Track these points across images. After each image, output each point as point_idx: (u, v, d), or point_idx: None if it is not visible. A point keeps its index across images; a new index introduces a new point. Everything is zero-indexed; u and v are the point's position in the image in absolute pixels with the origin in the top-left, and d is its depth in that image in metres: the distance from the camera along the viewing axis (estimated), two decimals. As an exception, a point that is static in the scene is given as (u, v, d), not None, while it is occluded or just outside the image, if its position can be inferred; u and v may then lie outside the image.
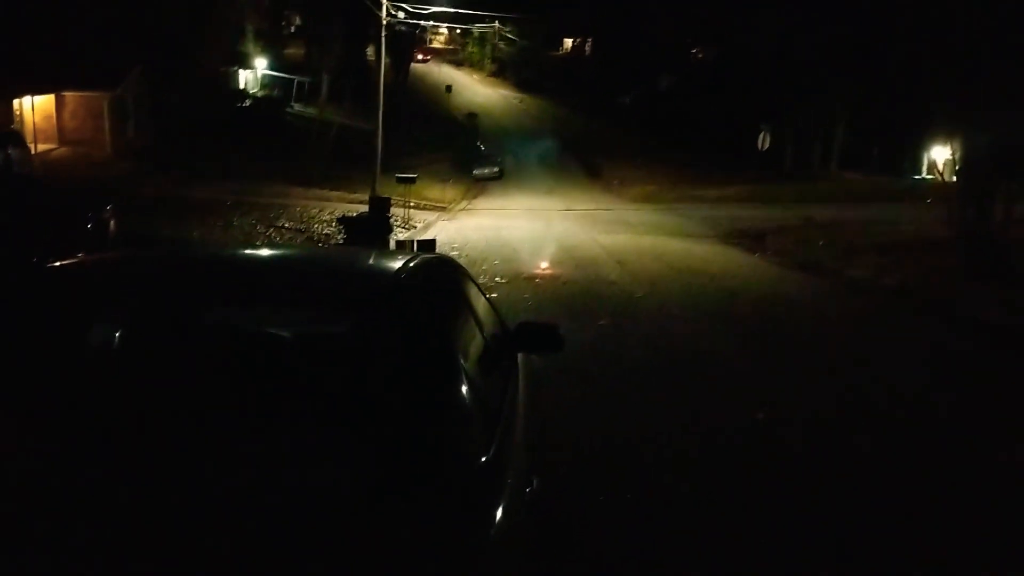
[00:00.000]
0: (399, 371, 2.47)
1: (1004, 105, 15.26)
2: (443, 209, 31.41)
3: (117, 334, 2.83)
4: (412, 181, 24.21)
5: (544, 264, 15.94)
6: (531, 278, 14.40)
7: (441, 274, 3.42)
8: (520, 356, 4.30)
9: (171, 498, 1.99)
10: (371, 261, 3.59)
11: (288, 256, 3.97)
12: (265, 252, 4.56)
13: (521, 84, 76.32)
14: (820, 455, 6.05)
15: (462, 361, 2.75)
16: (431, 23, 32.70)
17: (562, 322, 10.41)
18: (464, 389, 2.57)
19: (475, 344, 3.26)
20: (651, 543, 4.59)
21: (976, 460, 6.02)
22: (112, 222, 11.84)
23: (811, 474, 5.66)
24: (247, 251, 5.05)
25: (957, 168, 16.68)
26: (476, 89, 73.11)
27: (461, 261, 15.84)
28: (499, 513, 2.30)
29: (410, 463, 2.19)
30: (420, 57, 54.14)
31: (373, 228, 13.50)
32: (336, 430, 2.31)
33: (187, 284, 2.96)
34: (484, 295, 4.16)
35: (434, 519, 2.05)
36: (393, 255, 3.44)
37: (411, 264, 3.20)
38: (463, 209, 32.92)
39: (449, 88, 61.50)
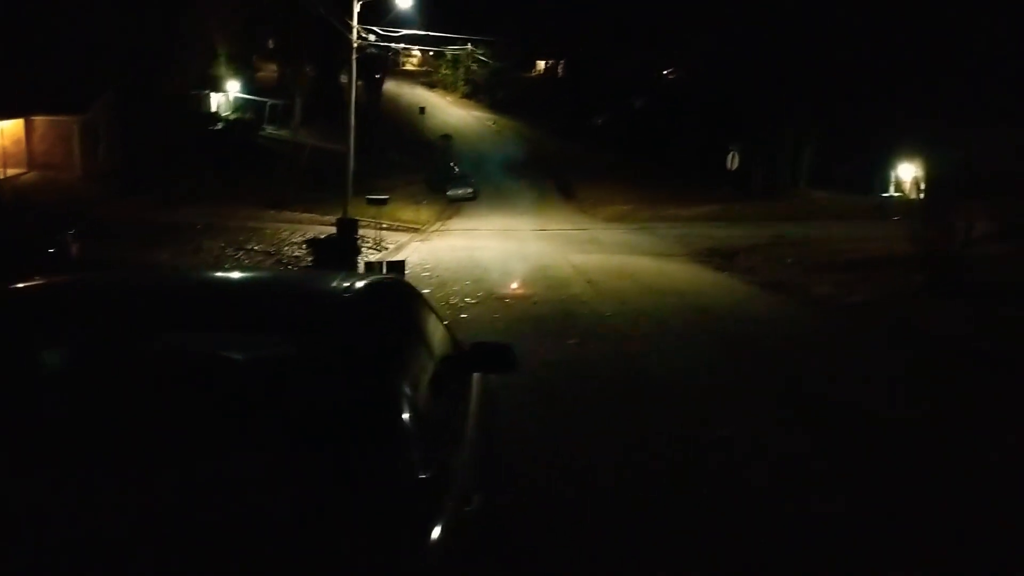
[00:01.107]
0: (335, 392, 2.51)
1: (966, 124, 15.58)
2: (416, 230, 31.43)
3: (58, 359, 2.84)
4: (384, 203, 24.24)
5: (515, 284, 16.01)
6: (501, 298, 14.45)
7: (387, 296, 3.46)
8: (478, 377, 4.35)
9: (110, 521, 2.00)
10: (318, 284, 3.62)
11: (236, 280, 4.00)
12: (214, 276, 4.59)
13: (494, 106, 76.67)
14: (778, 472, 6.11)
15: (403, 381, 2.79)
16: (403, 46, 32.73)
17: (531, 342, 10.62)
18: (402, 408, 2.60)
19: (420, 364, 3.30)
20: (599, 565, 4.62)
21: (932, 470, 6.11)
22: (74, 247, 11.78)
23: (768, 490, 5.71)
24: (195, 275, 5.07)
25: (921, 186, 16.95)
26: (449, 111, 73.35)
27: (432, 282, 16.02)
28: (437, 530, 2.34)
29: (342, 482, 2.23)
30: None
31: (341, 250, 13.49)
32: (270, 452, 2.34)
33: (132, 308, 2.98)
34: (437, 316, 4.20)
35: (368, 536, 2.08)
36: (343, 277, 3.46)
37: (356, 286, 3.24)
38: (437, 230, 32.97)
39: (422, 110, 61.68)
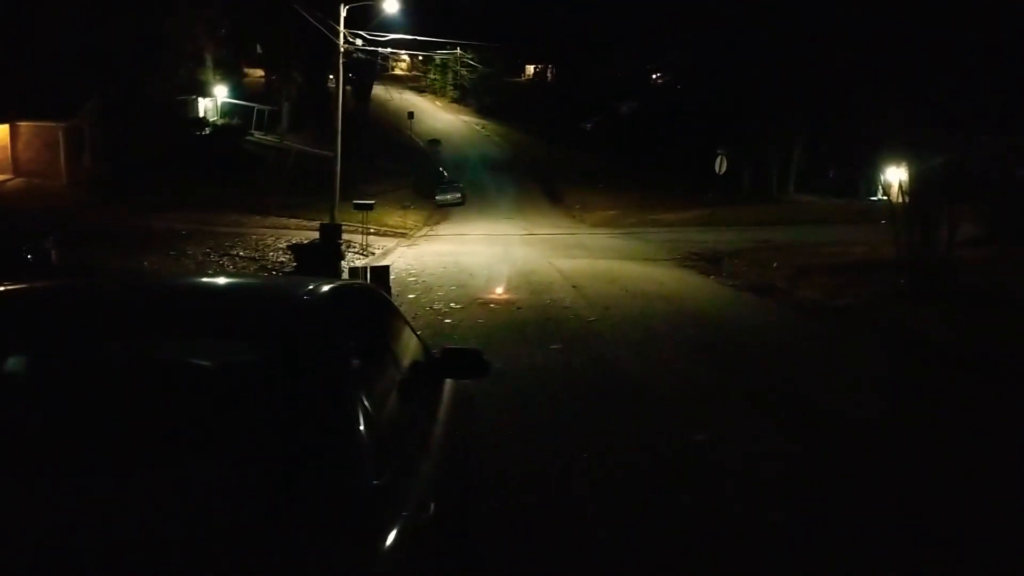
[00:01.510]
0: (287, 397, 2.48)
1: (951, 128, 15.64)
2: (404, 235, 31.40)
3: (18, 364, 2.82)
4: (370, 208, 24.18)
5: (500, 289, 15.99)
6: (486, 303, 14.42)
7: (349, 301, 3.43)
8: (452, 383, 4.33)
9: (58, 528, 1.99)
10: (280, 290, 3.60)
11: (195, 285, 3.97)
12: (176, 281, 4.56)
13: (483, 111, 76.75)
14: (756, 475, 6.10)
15: (359, 386, 2.76)
16: (391, 51, 32.71)
17: (513, 347, 10.59)
18: (356, 414, 2.57)
19: (381, 370, 3.27)
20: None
21: (902, 470, 6.11)
22: (54, 253, 11.73)
23: (748, 495, 5.70)
24: (158, 280, 5.03)
25: (904, 190, 17.02)
26: (438, 116, 73.39)
27: (417, 287, 15.99)
28: (391, 537, 2.32)
29: (291, 488, 2.21)
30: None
31: (325, 256, 13.43)
32: (218, 457, 2.32)
33: (86, 314, 2.96)
34: (405, 322, 4.18)
35: (317, 543, 2.06)
36: (307, 283, 3.44)
37: (317, 292, 3.22)
38: (424, 235, 32.94)
39: (411, 115, 61.63)
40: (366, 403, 2.67)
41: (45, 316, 2.95)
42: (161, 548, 1.95)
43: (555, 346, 10.83)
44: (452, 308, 13.88)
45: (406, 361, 3.74)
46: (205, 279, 5.55)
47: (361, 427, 2.56)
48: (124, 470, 2.26)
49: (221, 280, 4.56)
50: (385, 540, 2.29)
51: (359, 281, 5.19)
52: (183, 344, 2.81)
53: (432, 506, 2.71)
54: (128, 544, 1.96)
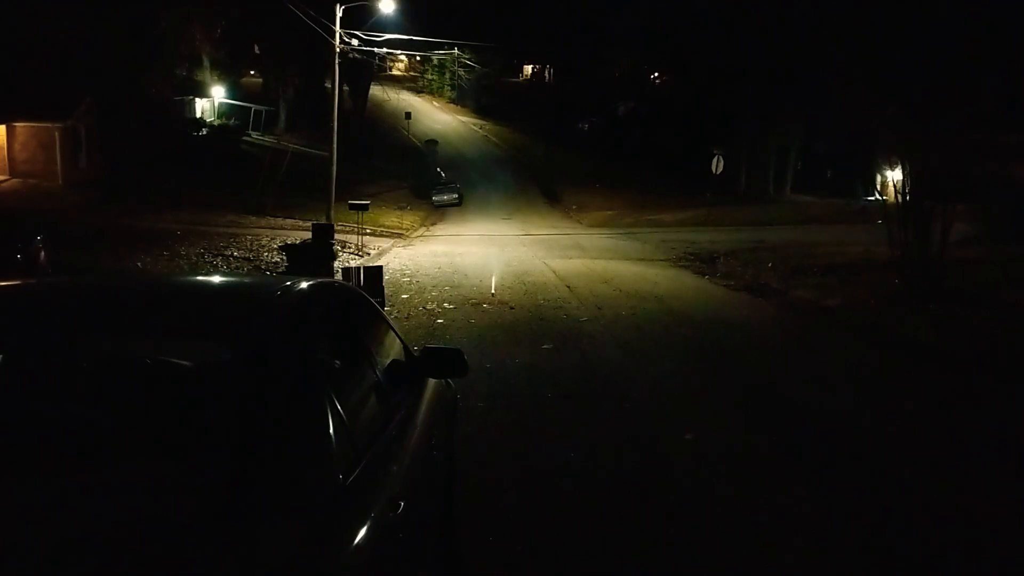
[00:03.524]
0: (254, 396, 2.48)
1: (945, 129, 15.64)
2: (400, 236, 31.37)
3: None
4: (365, 208, 24.16)
5: (494, 290, 15.97)
6: (479, 304, 14.40)
7: (325, 300, 3.43)
8: (434, 382, 4.34)
9: (15, 527, 1.98)
10: (253, 288, 3.60)
11: (173, 283, 3.97)
12: (154, 280, 4.56)
13: (481, 111, 76.69)
14: (742, 473, 6.11)
15: (328, 385, 2.76)
16: (387, 51, 32.68)
17: (505, 346, 10.58)
18: (325, 413, 2.57)
19: (356, 369, 3.27)
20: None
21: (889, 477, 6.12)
22: (42, 253, 11.72)
23: (733, 494, 5.71)
24: (134, 279, 5.03)
25: (898, 190, 17.01)
26: (435, 116, 73.33)
27: (412, 287, 15.99)
28: (358, 536, 2.32)
29: (256, 486, 2.21)
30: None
31: (317, 256, 13.42)
32: (183, 455, 2.32)
33: (60, 312, 2.97)
34: (384, 320, 4.17)
35: (284, 540, 2.07)
36: (284, 282, 3.45)
37: (292, 291, 3.22)
38: (420, 236, 32.92)
39: (408, 115, 61.55)
40: (336, 402, 2.67)
41: (11, 314, 2.95)
42: (120, 547, 1.94)
43: (546, 345, 10.84)
44: (445, 308, 13.88)
45: (384, 360, 3.74)
46: (180, 278, 5.55)
47: (330, 426, 2.56)
48: (86, 468, 2.26)
49: (196, 278, 4.58)
50: (352, 539, 2.30)
51: (336, 280, 5.19)
52: (150, 342, 2.81)
53: (401, 505, 2.71)
54: (84, 543, 1.95)
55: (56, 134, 30.69)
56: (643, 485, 5.84)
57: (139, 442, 2.38)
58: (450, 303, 14.43)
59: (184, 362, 2.70)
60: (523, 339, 11.29)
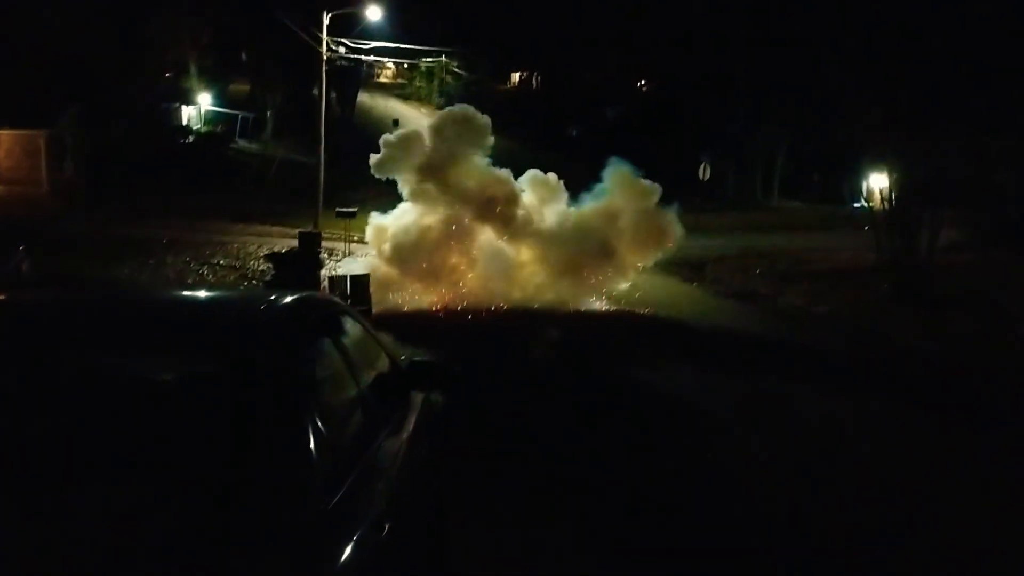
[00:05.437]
0: (237, 416, 2.41)
1: (931, 135, 15.69)
2: (388, 243, 31.18)
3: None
4: (352, 216, 23.98)
5: (481, 296, 15.88)
6: (465, 310, 14.33)
7: (310, 313, 3.36)
8: (424, 396, 4.25)
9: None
10: (236, 303, 3.52)
11: (155, 297, 3.88)
12: (135, 293, 4.49)
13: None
14: (726, 480, 6.07)
15: (312, 404, 2.69)
16: (375, 58, 32.64)
17: (494, 353, 10.54)
18: (308, 434, 2.50)
19: (338, 385, 3.20)
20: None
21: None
22: (25, 263, 11.61)
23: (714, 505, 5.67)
24: (117, 292, 4.95)
25: (885, 196, 17.07)
26: (424, 123, 72.87)
27: (398, 294, 15.86)
28: (342, 558, 2.26)
29: (239, 509, 2.14)
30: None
31: (303, 265, 13.33)
32: (159, 478, 2.25)
33: (41, 327, 2.93)
34: (370, 333, 4.09)
35: (264, 564, 2.02)
36: (268, 295, 3.38)
37: (275, 305, 3.16)
38: (409, 242, 32.72)
39: (396, 122, 61.39)
40: (319, 421, 2.60)
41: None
42: (100, 570, 1.90)
43: (536, 352, 10.84)
44: (432, 314, 13.84)
45: (370, 375, 3.66)
46: (162, 291, 5.46)
47: (312, 447, 2.49)
48: (56, 491, 2.19)
49: (178, 292, 4.50)
50: (336, 562, 2.24)
51: (322, 294, 5.12)
52: (128, 358, 2.73)
53: (387, 527, 2.64)
54: (62, 565, 1.91)
55: (41, 141, 30.45)
56: (620, 491, 5.81)
57: (114, 464, 2.31)
58: (437, 308, 14.40)
59: (162, 380, 2.62)
60: (513, 345, 11.51)
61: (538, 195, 16.36)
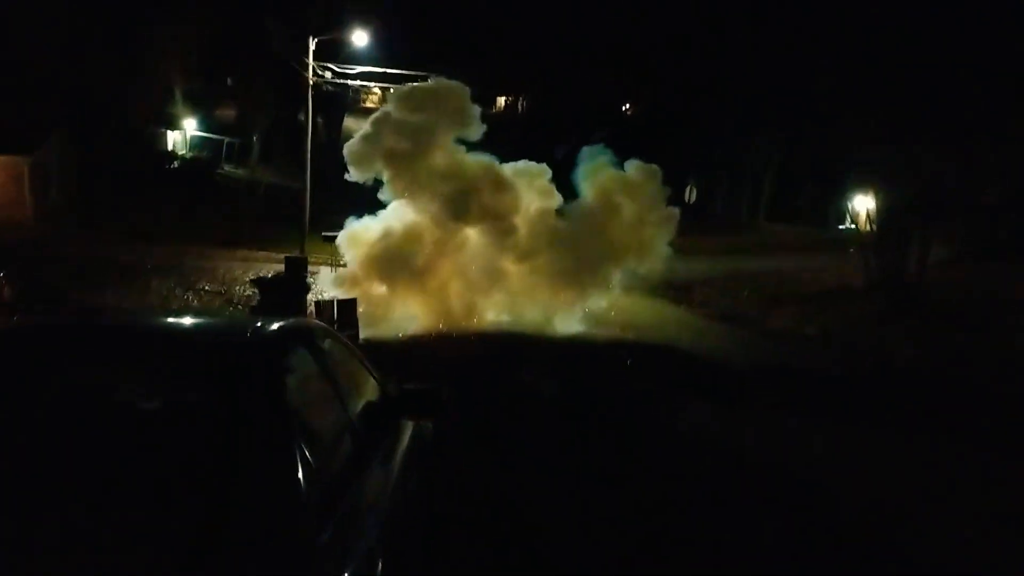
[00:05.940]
0: (223, 447, 2.32)
1: (922, 146, 15.75)
2: (375, 267, 31.07)
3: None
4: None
5: (469, 319, 15.81)
6: (450, 334, 14.24)
7: (296, 342, 3.27)
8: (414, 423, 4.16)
9: None
10: (223, 331, 3.43)
11: (141, 324, 3.78)
12: (121, 320, 4.39)
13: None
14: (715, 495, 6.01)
15: (304, 436, 2.60)
16: (360, 83, 32.69)
17: (481, 376, 10.46)
18: (297, 468, 2.41)
19: (330, 415, 3.11)
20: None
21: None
22: (6, 289, 11.48)
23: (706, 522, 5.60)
24: (103, 320, 4.85)
25: (872, 217, 17.13)
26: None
27: (386, 318, 15.75)
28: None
29: (227, 547, 2.05)
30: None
31: (290, 289, 13.23)
32: (151, 507, 2.17)
33: (30, 355, 2.88)
34: (359, 359, 4.00)
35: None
36: (255, 323, 3.30)
37: (262, 333, 3.07)
38: (395, 266, 32.64)
39: (382, 147, 61.56)
40: (308, 454, 2.51)
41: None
42: None
43: (522, 375, 10.78)
44: (418, 336, 13.77)
45: (358, 403, 3.57)
46: (149, 318, 5.36)
47: (301, 478, 2.39)
48: (40, 518, 2.12)
49: (162, 319, 4.39)
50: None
51: (309, 320, 5.03)
52: (115, 387, 2.66)
53: (380, 563, 2.55)
54: None
55: (25, 167, 30.25)
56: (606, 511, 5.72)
57: (98, 493, 2.22)
58: (424, 331, 14.33)
59: (147, 409, 2.54)
60: (499, 368, 11.42)
61: (527, 189, 16.02)
